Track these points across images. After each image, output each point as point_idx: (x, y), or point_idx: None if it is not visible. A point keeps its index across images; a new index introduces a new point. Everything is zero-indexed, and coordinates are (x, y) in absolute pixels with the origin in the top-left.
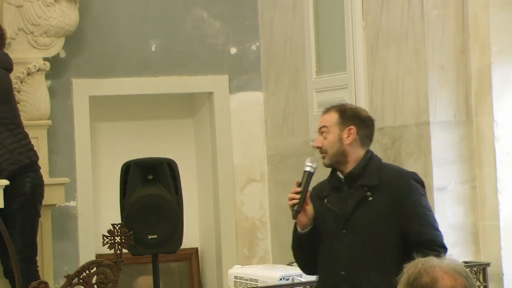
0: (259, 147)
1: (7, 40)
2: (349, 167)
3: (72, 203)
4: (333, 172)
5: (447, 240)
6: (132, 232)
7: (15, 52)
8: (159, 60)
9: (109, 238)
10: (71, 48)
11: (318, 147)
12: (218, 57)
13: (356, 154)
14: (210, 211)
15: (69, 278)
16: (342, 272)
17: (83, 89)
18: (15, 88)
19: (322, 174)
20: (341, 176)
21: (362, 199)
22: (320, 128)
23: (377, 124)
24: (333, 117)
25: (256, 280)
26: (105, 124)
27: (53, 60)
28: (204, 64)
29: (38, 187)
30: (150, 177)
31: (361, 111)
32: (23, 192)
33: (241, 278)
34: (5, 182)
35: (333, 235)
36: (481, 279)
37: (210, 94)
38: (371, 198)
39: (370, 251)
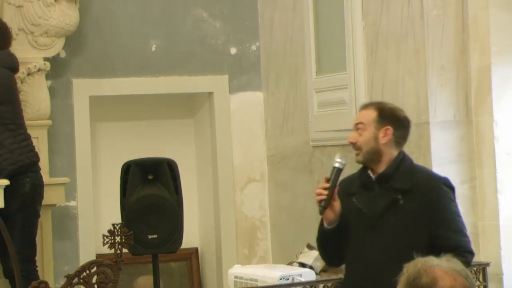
0: (259, 147)
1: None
2: (381, 167)
3: (72, 203)
4: (364, 170)
5: None
6: (132, 232)
7: (15, 52)
8: (159, 60)
9: (109, 238)
10: (71, 48)
11: (351, 143)
12: (218, 57)
13: (389, 154)
14: (210, 211)
15: (69, 278)
16: (368, 272)
17: (83, 89)
18: None
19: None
20: (372, 175)
21: (392, 202)
22: (356, 124)
23: None
24: (371, 114)
25: (256, 280)
26: (105, 124)
27: (53, 60)
28: (204, 64)
29: (38, 187)
30: (150, 177)
31: (399, 111)
32: (23, 192)
33: (241, 278)
34: (5, 182)
35: (361, 235)
36: (481, 279)
37: (210, 94)
38: (401, 201)
39: (397, 253)
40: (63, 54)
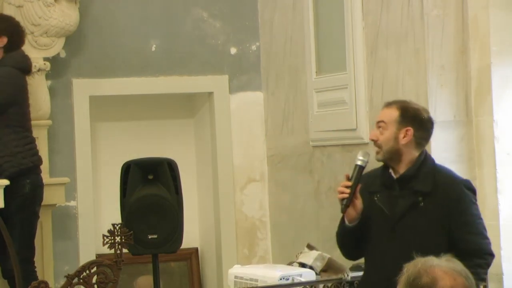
0: (259, 147)
1: None
2: (402, 167)
3: (72, 203)
4: (385, 169)
5: None
6: (132, 232)
7: None
8: (159, 60)
9: (109, 238)
10: (71, 48)
11: (372, 140)
12: (218, 57)
13: (410, 155)
14: (210, 211)
15: (69, 278)
16: (387, 273)
17: (83, 89)
18: None
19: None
20: (393, 175)
21: (413, 203)
22: (378, 122)
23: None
24: (394, 114)
25: (256, 280)
26: (105, 124)
27: (53, 60)
28: (204, 64)
29: (38, 188)
30: (150, 177)
31: (422, 112)
32: (23, 193)
33: (241, 278)
34: (5, 182)
35: (381, 235)
36: None
37: (210, 94)
38: (422, 203)
39: (416, 255)
40: (63, 54)
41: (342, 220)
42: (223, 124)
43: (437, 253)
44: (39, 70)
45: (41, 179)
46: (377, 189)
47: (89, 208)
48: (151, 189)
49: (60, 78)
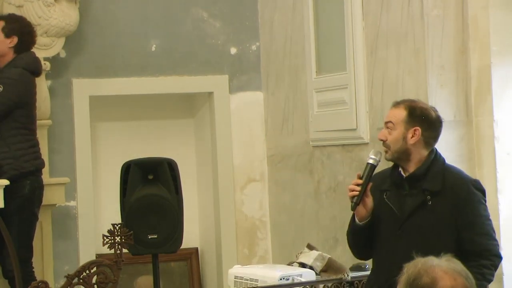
0: (259, 147)
1: None
2: (411, 166)
3: (72, 203)
4: (395, 168)
5: None
6: (132, 232)
7: None
8: (159, 60)
9: (109, 238)
10: (71, 48)
11: (381, 140)
12: (218, 57)
13: (419, 154)
14: (210, 211)
15: (69, 278)
16: (395, 272)
17: (83, 89)
18: None
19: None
20: (402, 174)
21: (421, 203)
22: (386, 122)
23: (376, 124)
24: (401, 114)
25: (256, 280)
26: (105, 124)
27: (53, 60)
28: (204, 64)
29: (37, 190)
30: (150, 177)
31: (430, 112)
32: (22, 194)
33: (241, 278)
34: (5, 182)
35: (389, 234)
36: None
37: (210, 94)
38: (430, 202)
39: (423, 254)
40: (63, 54)
41: (353, 218)
42: (223, 124)
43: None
44: None
45: (41, 181)
46: (387, 188)
47: (89, 208)
48: (151, 189)
49: (60, 78)
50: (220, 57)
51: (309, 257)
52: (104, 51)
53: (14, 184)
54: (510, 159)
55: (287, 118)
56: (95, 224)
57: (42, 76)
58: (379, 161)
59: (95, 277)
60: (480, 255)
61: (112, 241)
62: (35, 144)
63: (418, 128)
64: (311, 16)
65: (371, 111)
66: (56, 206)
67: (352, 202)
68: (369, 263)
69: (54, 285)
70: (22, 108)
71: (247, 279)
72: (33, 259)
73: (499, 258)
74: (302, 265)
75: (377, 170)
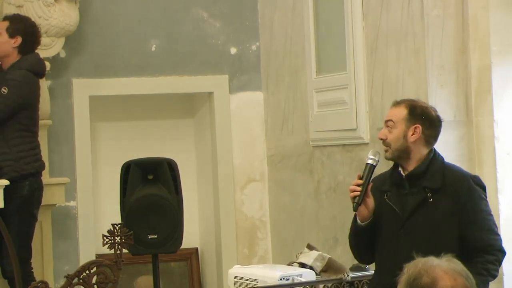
0: (259, 147)
1: None
2: (411, 165)
3: (72, 203)
4: (395, 167)
5: None
6: (132, 232)
7: None
8: (159, 60)
9: (109, 238)
10: (71, 48)
11: (381, 139)
12: (218, 57)
13: (419, 152)
14: (210, 211)
15: (69, 278)
16: (398, 272)
17: (83, 89)
18: None
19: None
20: (402, 173)
21: (422, 200)
22: (386, 121)
23: (376, 124)
24: (402, 112)
25: (256, 280)
26: (105, 124)
27: (53, 60)
28: (204, 64)
29: (36, 191)
30: (150, 177)
31: (430, 111)
32: (21, 194)
33: (241, 278)
34: (5, 182)
35: (391, 233)
36: None
37: (210, 94)
38: (431, 200)
39: (427, 252)
40: (63, 54)
41: (354, 219)
42: (223, 124)
43: (447, 250)
44: None
45: (40, 182)
46: (387, 188)
47: (89, 208)
48: (151, 189)
49: (60, 78)
50: (220, 57)
51: (309, 257)
52: (104, 51)
53: (13, 185)
54: (510, 159)
55: (287, 118)
56: (95, 224)
57: None
58: (378, 161)
59: (95, 277)
60: (484, 250)
61: (112, 241)
62: (36, 146)
63: (418, 126)
64: (311, 16)
65: (371, 111)
66: (56, 206)
67: (353, 202)
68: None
69: (54, 285)
70: (26, 110)
71: (247, 279)
72: (33, 259)
73: (503, 252)
74: (302, 265)
75: (376, 170)
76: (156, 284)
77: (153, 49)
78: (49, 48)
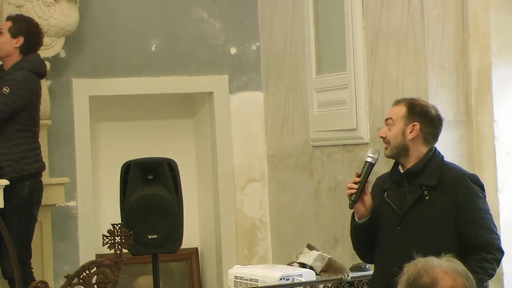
0: (259, 147)
1: None
2: (410, 163)
3: (72, 203)
4: (395, 166)
5: None
6: (132, 232)
7: None
8: (159, 60)
9: (109, 238)
10: (71, 48)
11: (381, 137)
12: (218, 57)
13: (418, 150)
14: (210, 211)
15: (69, 278)
16: (395, 269)
17: (83, 89)
18: None
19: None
20: (401, 171)
21: (419, 198)
22: (387, 119)
23: (376, 124)
24: (401, 110)
25: (256, 280)
26: (105, 124)
27: (53, 60)
28: (204, 64)
29: (36, 192)
30: (150, 177)
31: (430, 109)
32: (21, 195)
33: (241, 278)
34: (5, 182)
35: (389, 231)
36: None
37: (210, 94)
38: (427, 197)
39: (423, 250)
40: (63, 54)
41: (353, 217)
42: (223, 124)
43: (443, 247)
44: None
45: (40, 183)
46: (388, 186)
47: (89, 208)
48: (151, 189)
49: (60, 78)
50: (220, 57)
51: (309, 257)
52: (104, 51)
53: (13, 185)
54: (510, 159)
55: (287, 118)
56: (95, 224)
57: None
58: (377, 159)
59: (95, 277)
60: (481, 249)
61: (112, 241)
62: (37, 147)
63: (417, 123)
64: (311, 16)
65: (371, 111)
66: (56, 206)
67: (350, 200)
68: (369, 264)
69: (54, 285)
70: (27, 111)
71: (247, 279)
72: (33, 259)
73: (501, 252)
74: (302, 265)
75: (378, 170)
76: (156, 284)
77: (153, 49)
78: (49, 48)
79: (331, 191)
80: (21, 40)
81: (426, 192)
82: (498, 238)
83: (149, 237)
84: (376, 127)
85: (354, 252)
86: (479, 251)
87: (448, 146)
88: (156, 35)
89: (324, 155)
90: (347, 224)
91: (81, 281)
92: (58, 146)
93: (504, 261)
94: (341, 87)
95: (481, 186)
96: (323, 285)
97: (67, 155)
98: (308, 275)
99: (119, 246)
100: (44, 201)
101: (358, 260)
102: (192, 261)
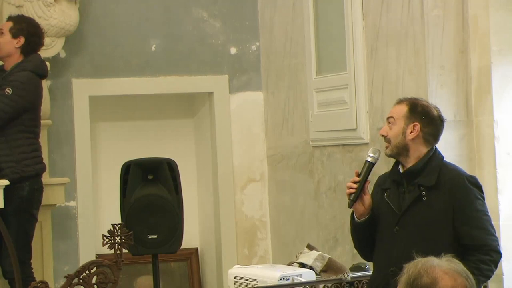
0: (259, 147)
1: None
2: (410, 162)
3: (72, 203)
4: (396, 165)
5: None
6: (132, 232)
7: None
8: (159, 60)
9: (109, 238)
10: (71, 48)
11: (382, 136)
12: (218, 57)
13: (418, 150)
14: (210, 211)
15: (69, 278)
16: (392, 268)
17: (83, 89)
18: None
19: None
20: (401, 170)
21: (417, 198)
22: (388, 117)
23: (376, 124)
24: (402, 109)
25: (256, 280)
26: (105, 124)
27: (53, 60)
28: (204, 64)
29: (36, 192)
30: (150, 177)
31: (432, 109)
32: (21, 195)
33: (241, 278)
34: (5, 182)
35: (387, 231)
36: None
37: (210, 94)
38: (425, 198)
39: (421, 250)
40: (63, 54)
41: (352, 216)
42: (223, 124)
43: (440, 248)
44: None
45: (40, 183)
46: (388, 186)
47: (89, 208)
48: (151, 189)
49: (60, 78)
50: (220, 57)
51: (309, 257)
52: (104, 51)
53: (13, 186)
54: (510, 159)
55: (287, 118)
56: (95, 224)
57: None
58: (378, 159)
59: (95, 277)
60: (478, 249)
61: (112, 241)
62: (38, 148)
63: (417, 123)
64: (311, 16)
65: (371, 111)
66: (56, 206)
67: (349, 199)
68: (369, 264)
69: (54, 285)
70: (29, 112)
71: (247, 279)
72: (33, 259)
73: (499, 254)
74: (302, 265)
75: (376, 169)
76: (156, 284)
77: (153, 49)
78: (49, 48)
79: (331, 191)
80: (22, 40)
81: (424, 193)
82: (496, 240)
83: (149, 237)
84: (376, 127)
85: (354, 252)
86: (475, 252)
87: (448, 146)
88: (156, 35)
89: (324, 155)
90: (347, 224)
91: (81, 281)
92: (58, 146)
93: (504, 261)
94: (341, 87)
95: (479, 188)
96: (323, 285)
97: (67, 155)
98: (308, 275)
99: (119, 246)
100: (44, 201)
101: (358, 260)
102: (192, 261)
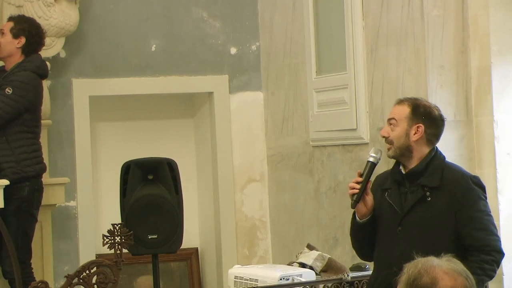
0: (259, 147)
1: None
2: (412, 163)
3: (72, 203)
4: (397, 165)
5: None
6: (132, 232)
7: None
8: (159, 60)
9: (109, 238)
10: (71, 48)
11: (384, 137)
12: (218, 57)
13: (420, 151)
14: (210, 211)
15: (69, 278)
16: (394, 269)
17: (83, 89)
18: None
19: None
20: (403, 171)
21: (420, 198)
22: (389, 119)
23: (376, 124)
24: (405, 110)
25: (256, 280)
26: (105, 124)
27: (53, 60)
28: (204, 64)
29: (36, 192)
30: (150, 177)
31: (433, 110)
32: (21, 195)
33: (241, 278)
34: (5, 182)
35: (389, 231)
36: None
37: (210, 94)
38: (429, 198)
39: (423, 250)
40: (63, 54)
41: (354, 216)
42: (223, 124)
43: (443, 248)
44: None
45: (41, 183)
46: (389, 186)
47: (89, 208)
48: (151, 189)
49: (60, 78)
50: (220, 57)
51: (309, 257)
52: (104, 51)
53: (13, 186)
54: (510, 159)
55: (287, 118)
56: (95, 224)
57: None
58: (380, 159)
59: (95, 277)
60: (480, 250)
61: (112, 241)
62: (38, 149)
63: (421, 125)
64: (311, 16)
65: (371, 111)
66: (56, 206)
67: (352, 200)
68: (369, 264)
69: (54, 285)
70: (30, 112)
71: (247, 279)
72: (33, 259)
73: (501, 253)
74: (302, 265)
75: (377, 168)
76: (156, 284)
77: (153, 49)
78: (49, 48)
79: (331, 191)
80: (22, 40)
81: (428, 193)
82: (498, 240)
83: (149, 237)
84: (376, 127)
85: (354, 251)
86: (478, 252)
87: (448, 146)
88: (156, 35)
89: (324, 155)
90: (347, 224)
91: (81, 281)
92: (58, 146)
93: (504, 261)
94: (341, 87)
95: (482, 188)
96: (323, 285)
97: (67, 155)
98: (308, 275)
99: (119, 246)
100: (44, 201)
101: (358, 260)
102: (192, 261)
